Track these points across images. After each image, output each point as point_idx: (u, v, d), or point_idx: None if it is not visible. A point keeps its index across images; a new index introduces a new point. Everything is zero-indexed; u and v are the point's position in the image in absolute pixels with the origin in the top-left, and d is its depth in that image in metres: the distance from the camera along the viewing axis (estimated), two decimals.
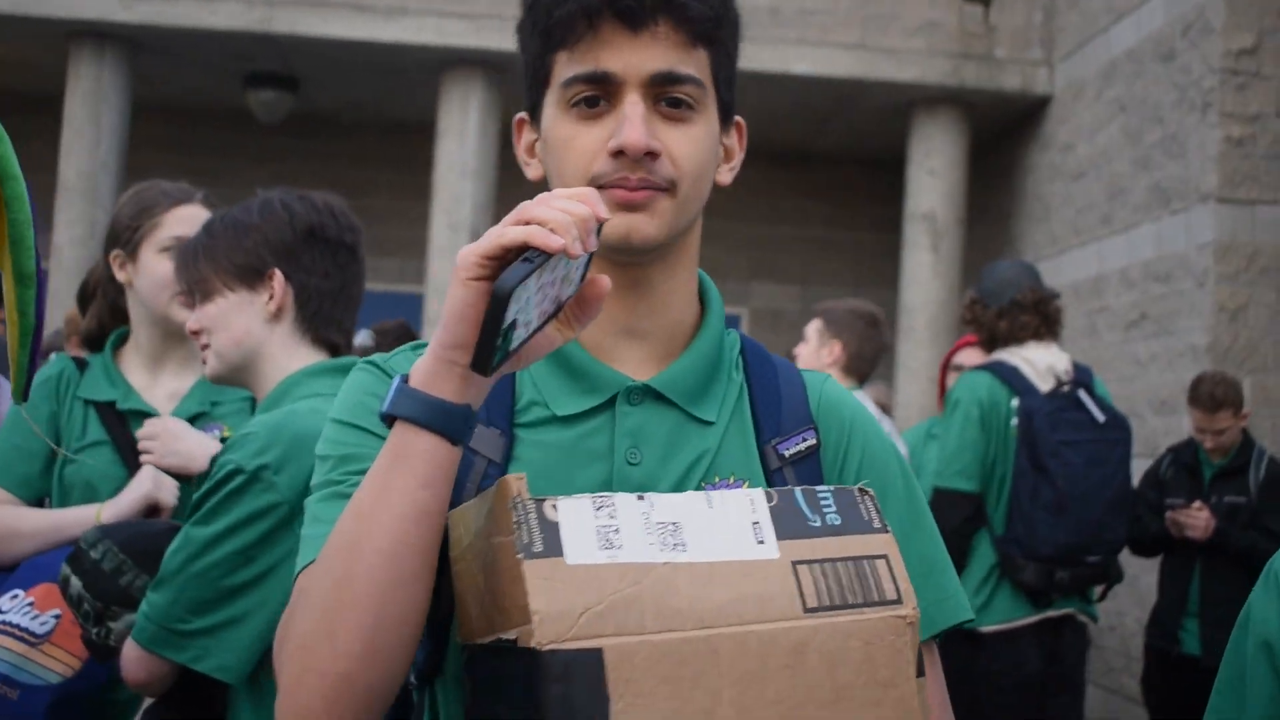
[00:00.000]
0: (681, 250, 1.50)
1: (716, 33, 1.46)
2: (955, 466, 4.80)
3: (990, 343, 5.02)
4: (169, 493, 2.76)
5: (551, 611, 1.19)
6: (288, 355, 2.45)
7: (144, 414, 2.92)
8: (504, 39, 10.13)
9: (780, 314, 12.65)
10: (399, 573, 1.25)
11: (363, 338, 5.45)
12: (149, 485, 2.75)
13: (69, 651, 2.60)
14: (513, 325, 1.19)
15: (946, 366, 6.15)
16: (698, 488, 1.43)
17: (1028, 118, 10.73)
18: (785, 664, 1.24)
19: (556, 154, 1.45)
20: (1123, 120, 8.99)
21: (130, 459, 2.86)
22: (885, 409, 7.77)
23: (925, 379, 9.99)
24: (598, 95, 1.42)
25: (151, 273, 2.98)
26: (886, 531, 1.34)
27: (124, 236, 3.03)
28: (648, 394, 1.47)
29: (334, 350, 2.51)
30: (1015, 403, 4.77)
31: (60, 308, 9.92)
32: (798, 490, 1.34)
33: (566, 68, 1.43)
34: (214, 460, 2.48)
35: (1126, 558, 5.65)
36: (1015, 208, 10.94)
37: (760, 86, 10.44)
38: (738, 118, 1.56)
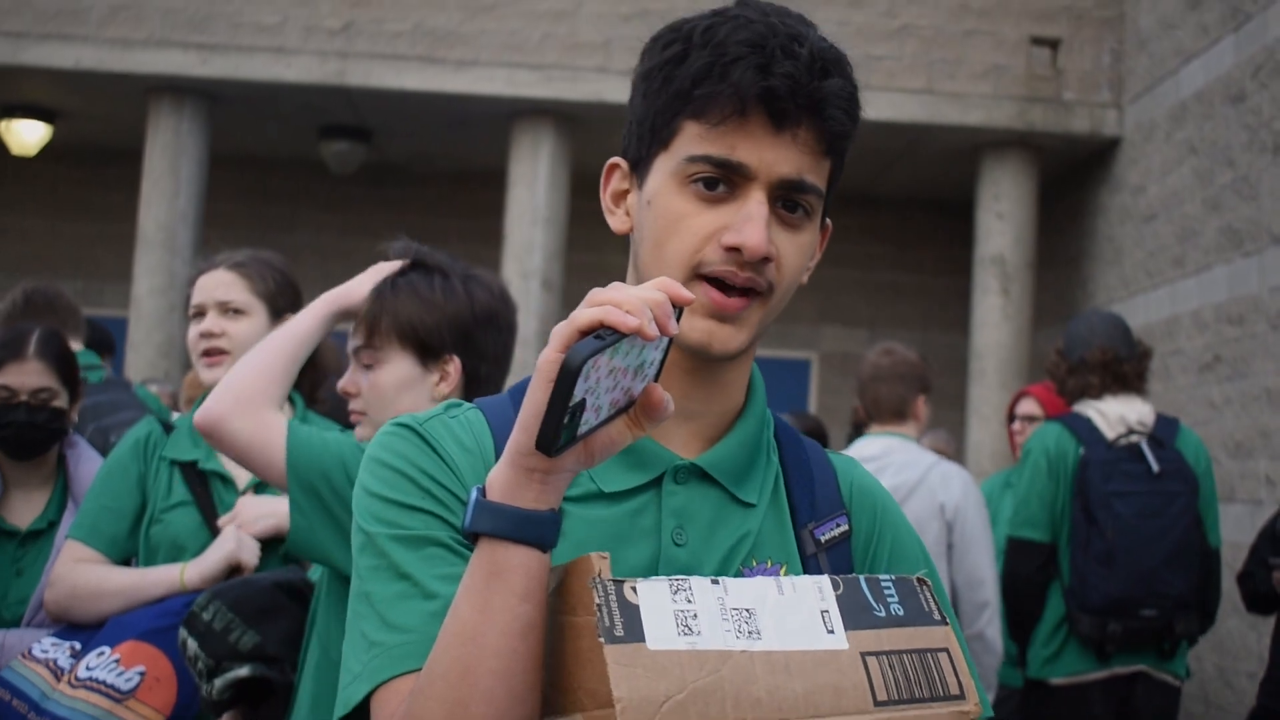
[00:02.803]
0: (753, 344, 1.47)
1: (844, 145, 1.43)
2: (1023, 515, 4.80)
3: (1061, 395, 5.02)
4: (250, 553, 2.82)
5: (635, 699, 1.17)
6: None
7: (223, 477, 2.98)
8: (573, 89, 10.25)
9: (849, 358, 12.63)
10: (514, 690, 1.23)
11: None
12: (232, 545, 2.82)
13: (152, 707, 2.67)
14: (581, 406, 1.15)
15: (1010, 416, 6.13)
16: (737, 571, 1.42)
17: (1097, 160, 10.69)
18: None
19: (661, 226, 1.40)
20: (1193, 162, 8.94)
21: (211, 520, 2.92)
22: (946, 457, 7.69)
23: (996, 423, 9.94)
24: (719, 180, 1.37)
25: (188, 338, 3.07)
26: (946, 624, 1.34)
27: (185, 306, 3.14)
28: (693, 473, 1.44)
29: None
30: (1081, 453, 4.76)
31: (140, 358, 10.10)
32: (862, 578, 1.33)
33: (696, 142, 1.38)
34: None
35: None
36: (1086, 250, 10.89)
37: None
38: (828, 221, 1.52)
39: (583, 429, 1.17)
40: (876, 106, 10.22)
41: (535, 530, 1.22)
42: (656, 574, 1.38)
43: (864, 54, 10.27)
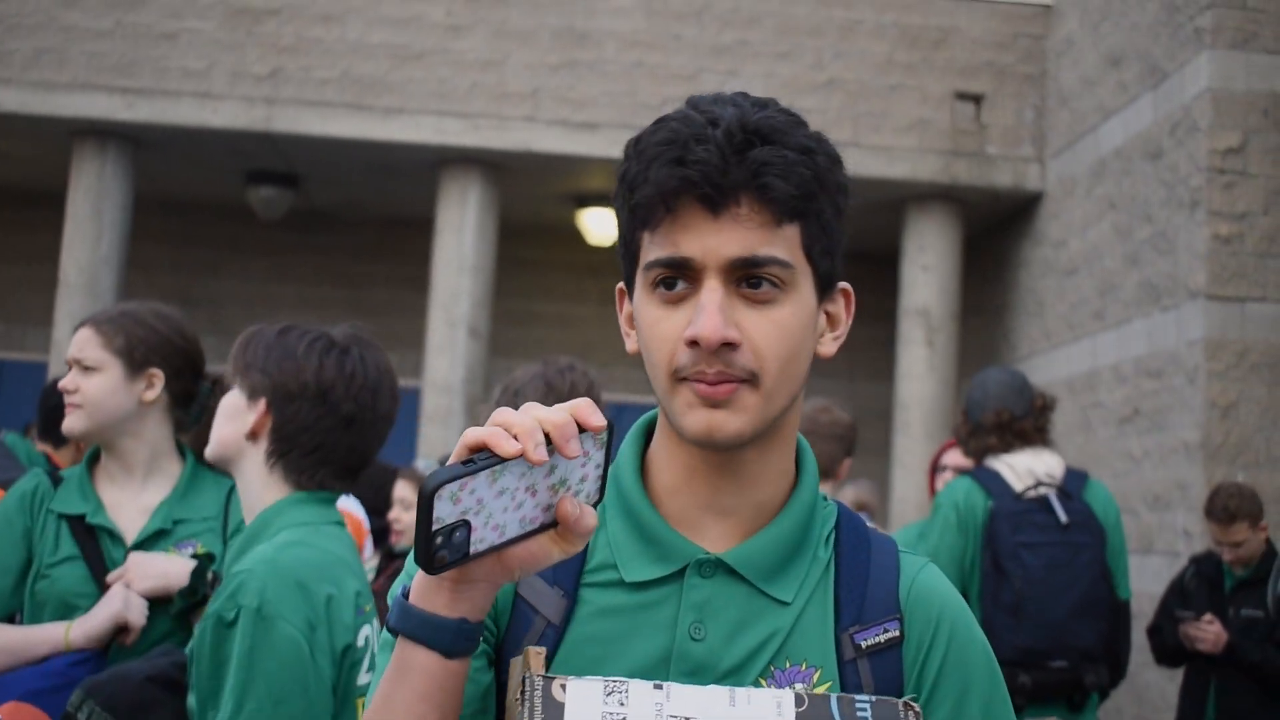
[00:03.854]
0: (777, 430, 1.44)
1: (807, 206, 1.40)
2: None
3: (966, 455, 5.07)
4: (138, 612, 2.78)
5: None
6: (259, 480, 2.47)
7: (111, 532, 2.94)
8: (501, 138, 10.27)
9: None
10: None
11: (425, 464, 5.47)
12: (118, 605, 2.77)
13: None
14: (465, 526, 1.16)
15: (934, 467, 6.18)
16: (765, 671, 1.38)
17: (1020, 213, 10.84)
18: None
19: (645, 339, 1.41)
20: (1113, 217, 9.09)
21: (100, 576, 2.87)
22: (867, 509, 7.66)
23: (920, 473, 10.00)
24: (676, 278, 1.37)
25: None
26: None
27: None
28: (720, 568, 1.42)
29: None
30: (990, 505, 4.79)
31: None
32: (834, 697, 1.28)
33: (649, 249, 1.39)
34: (196, 573, 2.53)
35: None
36: (1009, 302, 11.02)
37: None
38: (844, 284, 1.50)
39: (478, 547, 1.18)
40: None
41: (437, 636, 1.24)
42: (670, 668, 1.37)
43: (790, 106, 10.33)
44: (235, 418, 2.48)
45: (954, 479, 5.05)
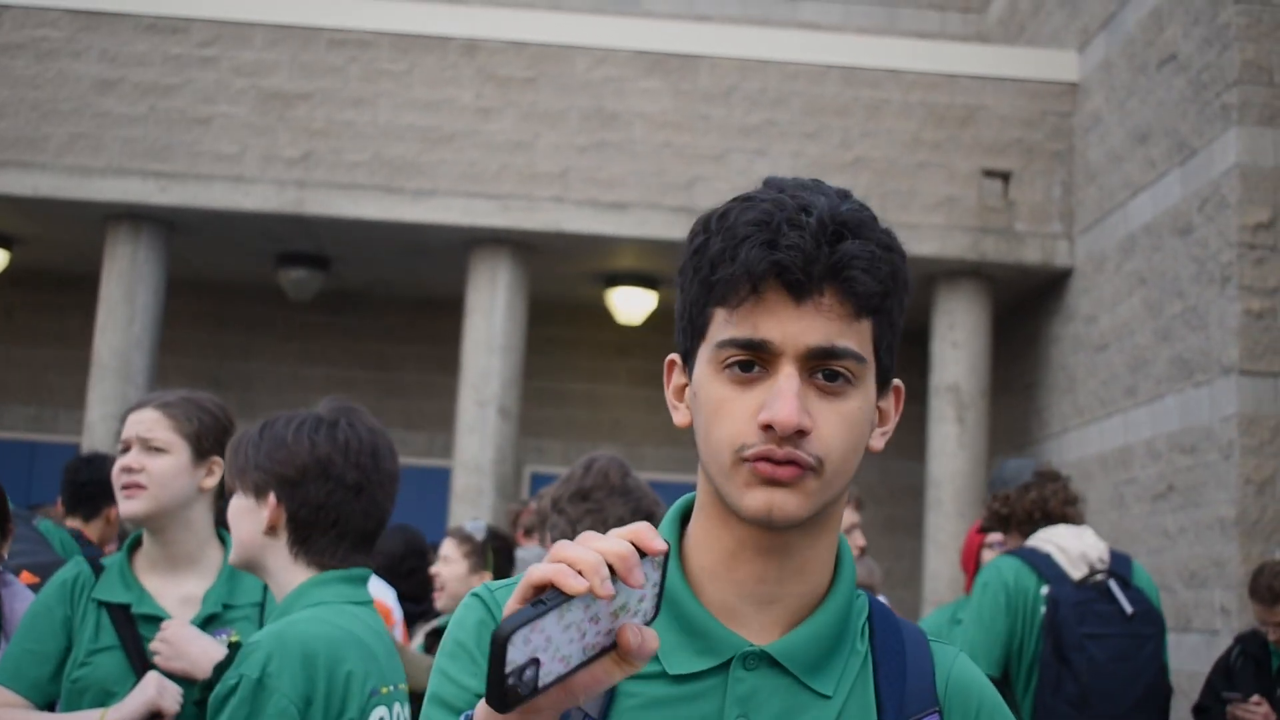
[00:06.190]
0: (827, 518, 1.44)
1: (883, 303, 1.41)
2: (980, 650, 4.72)
3: (1007, 525, 5.01)
4: (172, 699, 2.80)
5: None
6: (286, 570, 2.56)
7: (157, 618, 2.95)
8: (530, 219, 10.33)
9: None
10: None
11: (473, 525, 5.51)
12: (153, 692, 2.79)
13: None
14: (534, 663, 1.15)
15: (979, 547, 6.03)
16: None
17: (1049, 290, 10.82)
18: None
19: (707, 415, 1.41)
20: (1143, 293, 9.06)
21: (138, 664, 2.89)
22: (869, 589, 7.50)
23: (953, 550, 9.92)
24: (752, 361, 1.38)
25: (113, 472, 3.06)
26: None
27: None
28: (764, 660, 1.41)
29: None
30: (1045, 590, 4.69)
31: None
32: None
33: (723, 328, 1.39)
34: (218, 668, 2.55)
35: None
36: (1040, 379, 10.98)
37: None
38: (896, 381, 1.49)
39: (546, 680, 1.17)
40: None
41: None
42: None
43: None
44: (248, 517, 2.56)
45: (997, 557, 4.97)
